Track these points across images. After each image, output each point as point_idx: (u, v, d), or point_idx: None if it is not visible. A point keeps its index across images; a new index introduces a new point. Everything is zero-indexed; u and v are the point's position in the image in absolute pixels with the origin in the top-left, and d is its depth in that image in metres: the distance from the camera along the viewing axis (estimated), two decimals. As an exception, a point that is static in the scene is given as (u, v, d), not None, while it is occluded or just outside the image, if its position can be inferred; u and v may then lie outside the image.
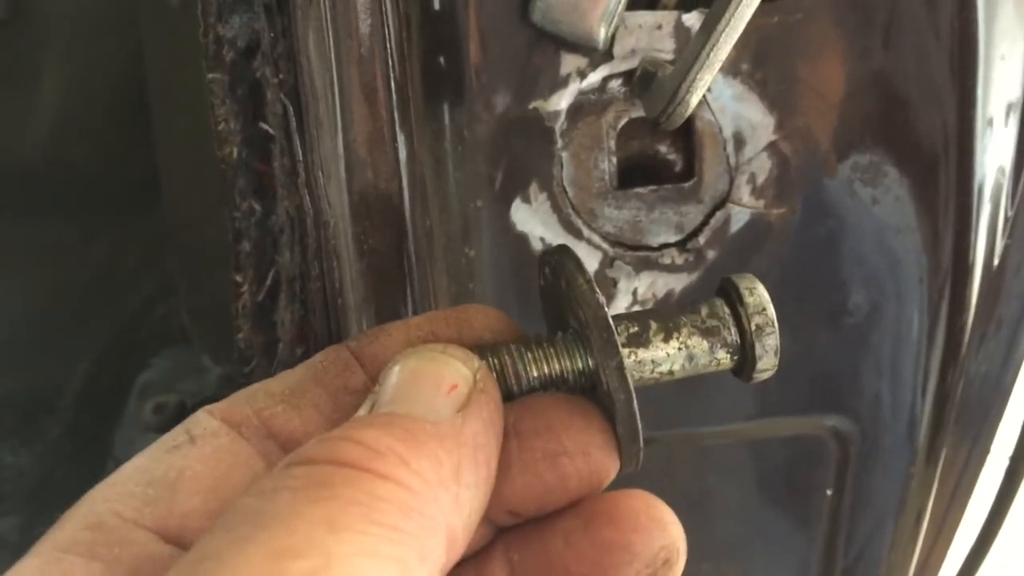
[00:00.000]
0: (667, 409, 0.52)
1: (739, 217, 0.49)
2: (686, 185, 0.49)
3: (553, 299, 0.36)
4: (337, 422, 0.32)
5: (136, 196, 0.95)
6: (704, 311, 0.35)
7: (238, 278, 0.41)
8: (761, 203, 0.49)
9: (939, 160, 0.50)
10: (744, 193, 0.49)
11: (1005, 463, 0.69)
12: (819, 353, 0.52)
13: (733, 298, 0.34)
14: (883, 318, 0.52)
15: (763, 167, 0.48)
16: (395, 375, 0.30)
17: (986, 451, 0.62)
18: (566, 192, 0.48)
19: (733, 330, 0.34)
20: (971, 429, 0.59)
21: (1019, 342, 0.58)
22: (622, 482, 0.34)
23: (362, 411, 0.30)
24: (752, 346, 0.34)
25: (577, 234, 0.48)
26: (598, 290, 0.32)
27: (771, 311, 0.34)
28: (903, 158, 0.49)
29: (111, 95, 0.94)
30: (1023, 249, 0.55)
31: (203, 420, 0.32)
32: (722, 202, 0.49)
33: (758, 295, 0.34)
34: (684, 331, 0.34)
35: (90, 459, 1.02)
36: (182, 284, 0.87)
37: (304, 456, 0.27)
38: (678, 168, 0.49)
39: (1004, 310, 0.56)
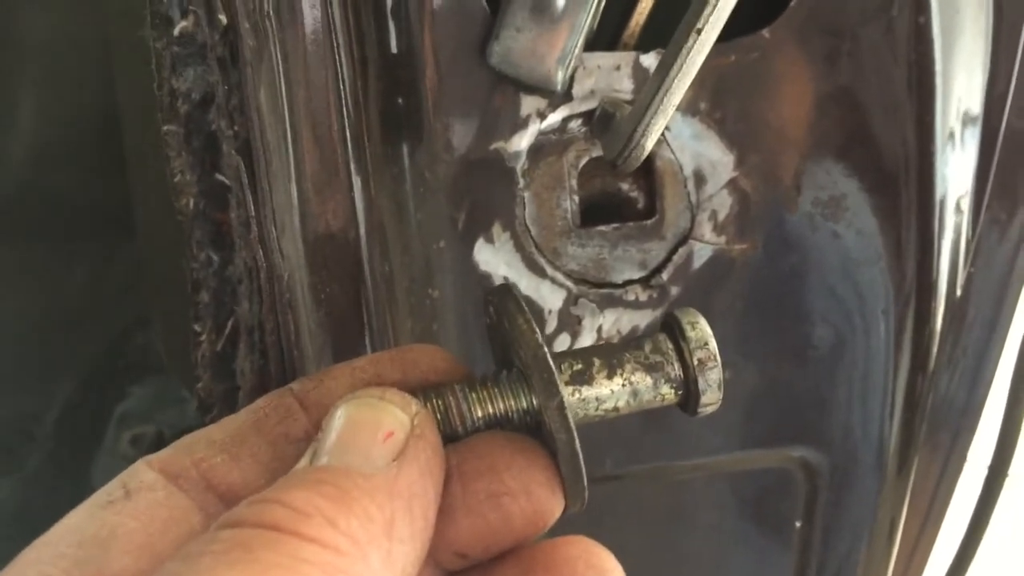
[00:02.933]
0: (635, 444, 0.52)
1: (701, 253, 0.49)
2: (648, 223, 0.49)
3: (498, 337, 0.36)
4: (276, 472, 0.32)
5: (114, 223, 0.94)
6: (648, 347, 0.35)
7: (197, 327, 0.41)
8: (723, 239, 0.49)
9: (899, 193, 0.50)
10: (706, 230, 0.49)
11: (981, 482, 0.69)
12: (785, 386, 0.52)
13: (676, 333, 0.34)
14: (848, 350, 0.52)
15: (724, 204, 0.49)
16: (334, 423, 0.30)
17: (957, 474, 0.63)
18: (529, 231, 0.48)
19: (676, 365, 0.34)
20: (940, 453, 0.60)
21: (985, 368, 0.59)
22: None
23: (303, 461, 0.30)
24: (695, 381, 0.34)
25: (541, 273, 0.49)
26: (538, 330, 0.32)
27: (713, 345, 0.34)
28: (863, 192, 0.50)
29: (86, 123, 0.94)
30: (985, 276, 0.55)
31: (141, 472, 0.32)
32: (684, 239, 0.49)
33: (700, 329, 0.34)
34: (628, 367, 0.34)
35: (70, 489, 1.02)
36: (156, 316, 0.87)
37: (232, 519, 0.27)
38: (640, 206, 0.49)
39: (969, 337, 0.57)
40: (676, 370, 0.34)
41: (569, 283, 0.49)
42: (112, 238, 0.96)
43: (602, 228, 0.49)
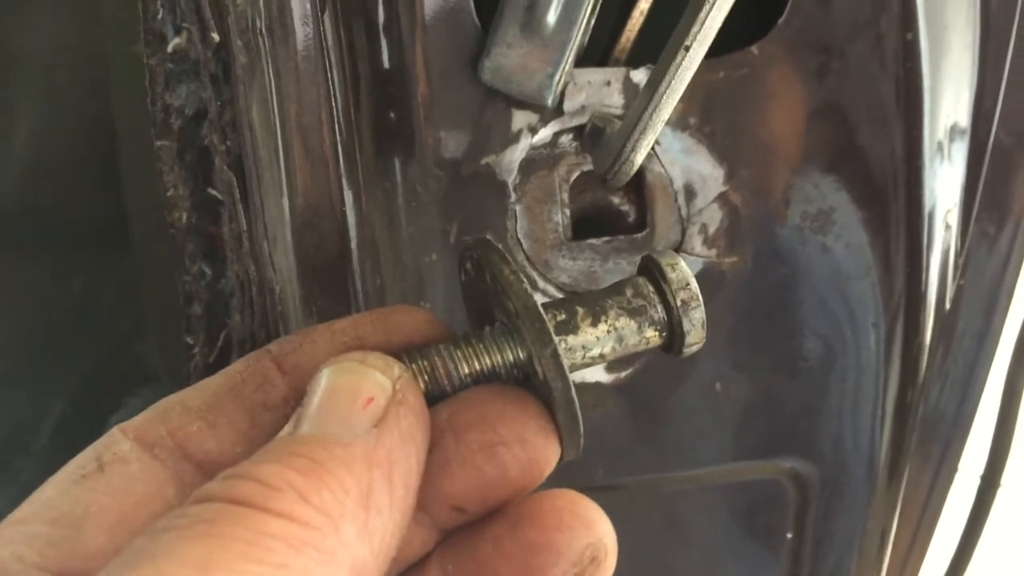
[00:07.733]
0: (626, 456, 0.52)
1: (692, 266, 0.49)
2: (639, 236, 0.49)
3: (477, 294, 0.35)
4: (254, 440, 0.32)
5: (109, 235, 0.94)
6: (629, 292, 0.34)
7: (189, 340, 0.41)
8: (713, 252, 0.50)
9: (888, 206, 0.51)
10: (696, 243, 0.49)
11: (972, 493, 0.69)
12: (776, 398, 0.52)
13: (656, 276, 0.34)
14: (839, 362, 0.53)
15: (714, 217, 0.49)
16: (316, 388, 0.30)
17: (948, 485, 0.63)
18: (520, 244, 0.49)
19: (659, 308, 0.34)
20: (930, 464, 0.60)
21: (975, 379, 0.59)
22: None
23: (286, 429, 0.29)
24: (680, 322, 0.34)
25: (532, 285, 0.49)
26: (525, 280, 0.32)
27: (695, 285, 0.34)
28: (852, 205, 0.50)
29: (82, 138, 0.94)
30: (975, 289, 0.56)
31: (115, 442, 0.31)
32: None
33: (680, 271, 0.34)
34: (611, 313, 0.34)
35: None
36: (152, 325, 0.87)
37: (203, 494, 0.26)
38: (631, 219, 0.50)
39: (959, 349, 0.57)
40: (660, 313, 0.34)
41: (560, 296, 0.49)
42: (108, 251, 0.96)
43: (593, 241, 0.49)
